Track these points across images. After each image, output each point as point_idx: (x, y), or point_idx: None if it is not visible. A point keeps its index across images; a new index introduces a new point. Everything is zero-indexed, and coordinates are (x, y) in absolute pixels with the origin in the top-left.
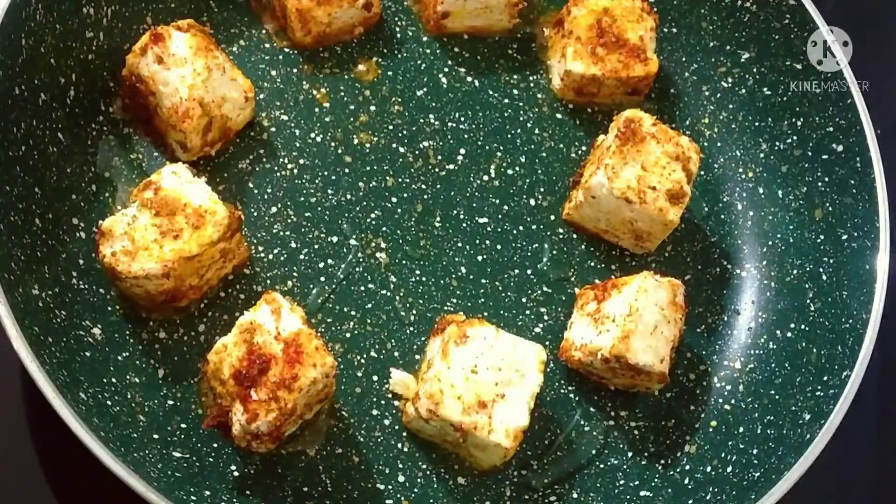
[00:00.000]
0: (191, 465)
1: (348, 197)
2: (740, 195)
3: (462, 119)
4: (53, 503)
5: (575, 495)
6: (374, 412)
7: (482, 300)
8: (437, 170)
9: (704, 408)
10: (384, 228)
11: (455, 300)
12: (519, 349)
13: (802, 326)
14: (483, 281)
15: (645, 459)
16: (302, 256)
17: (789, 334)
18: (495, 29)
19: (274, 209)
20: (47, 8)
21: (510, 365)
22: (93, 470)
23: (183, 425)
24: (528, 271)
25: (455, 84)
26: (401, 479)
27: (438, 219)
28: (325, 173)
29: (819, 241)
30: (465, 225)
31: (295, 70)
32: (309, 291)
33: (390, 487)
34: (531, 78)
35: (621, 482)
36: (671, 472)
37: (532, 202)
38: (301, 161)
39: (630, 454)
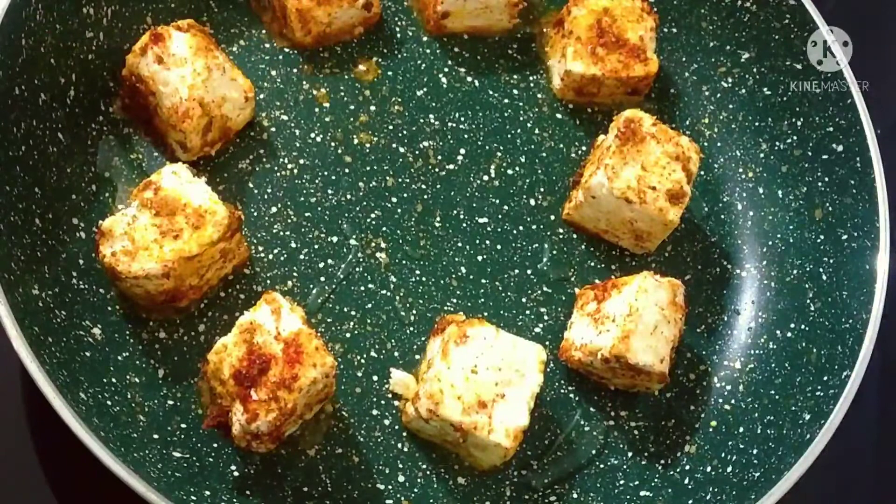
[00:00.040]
0: (191, 465)
1: (348, 197)
2: (740, 195)
3: (462, 119)
4: (53, 503)
5: (575, 495)
6: (374, 412)
7: (482, 300)
8: (437, 170)
9: (704, 408)
10: (384, 228)
11: (455, 300)
12: (519, 349)
13: (802, 326)
14: (483, 281)
15: (645, 459)
16: (302, 256)
17: (789, 334)
18: (495, 29)
19: (274, 209)
20: (47, 8)
21: (510, 365)
22: (93, 470)
23: (183, 425)
24: (528, 271)
25: (455, 84)
26: (401, 479)
27: (438, 219)
28: (325, 173)
29: (819, 241)
30: (465, 225)
31: (295, 70)
32: (309, 291)
33: (390, 487)
34: (531, 78)
35: (621, 482)
36: (671, 472)
37: (532, 202)
38: (301, 161)
39: (630, 454)
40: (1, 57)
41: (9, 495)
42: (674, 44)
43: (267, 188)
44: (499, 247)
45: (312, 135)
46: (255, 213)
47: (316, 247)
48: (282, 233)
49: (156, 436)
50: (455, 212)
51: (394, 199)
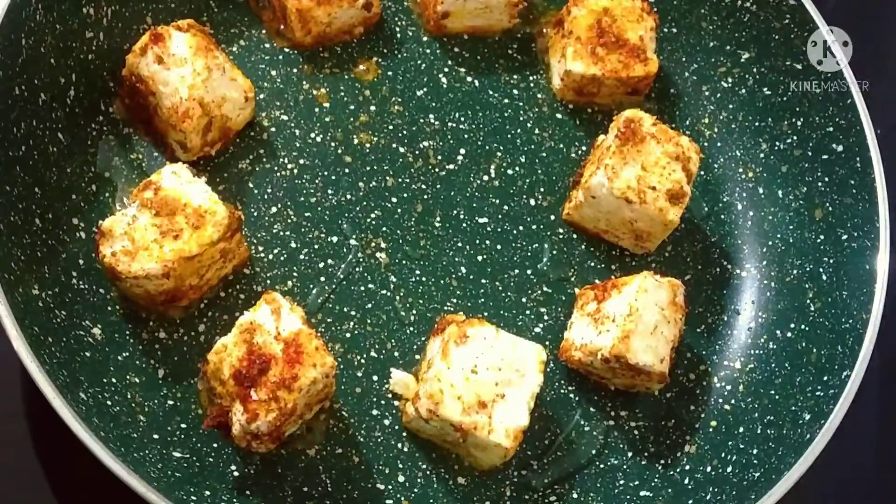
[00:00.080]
0: (191, 465)
1: (348, 197)
2: (740, 195)
3: (462, 119)
4: (53, 503)
5: (575, 495)
6: (374, 412)
7: (482, 300)
8: (437, 170)
9: (704, 408)
10: (384, 228)
11: (455, 300)
12: (519, 349)
13: (802, 326)
14: (483, 281)
15: (645, 459)
16: (302, 256)
17: (789, 334)
18: (495, 29)
19: (274, 209)
20: (47, 8)
21: (510, 365)
22: (93, 470)
23: (183, 425)
24: (528, 271)
25: (455, 84)
26: (401, 479)
27: (438, 219)
28: (325, 173)
29: (819, 241)
30: (465, 225)
31: (295, 70)
32: (309, 291)
33: (390, 487)
34: (531, 78)
35: (621, 482)
36: (671, 472)
37: (532, 202)
38: (301, 161)
39: (630, 454)
40: (1, 57)
41: (9, 495)
42: (674, 44)
43: (267, 188)
44: (499, 247)
45: (312, 135)
46: (255, 213)
47: (316, 247)
48: (282, 233)
49: (156, 436)
50: (455, 212)
51: (394, 199)
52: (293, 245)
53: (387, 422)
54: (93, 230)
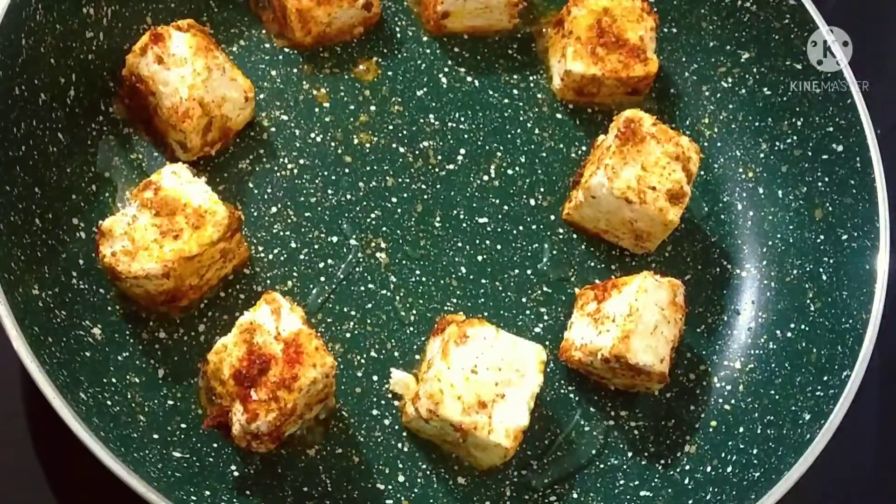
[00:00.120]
0: (191, 465)
1: (348, 197)
2: (740, 195)
3: (462, 119)
4: (53, 503)
5: (575, 495)
6: (374, 412)
7: (482, 300)
8: (437, 170)
9: (704, 408)
10: (384, 228)
11: (455, 300)
12: (519, 349)
13: (802, 326)
14: (483, 281)
15: (645, 459)
16: (302, 256)
17: (789, 334)
18: (495, 29)
19: (274, 209)
20: (47, 8)
21: (510, 365)
22: (93, 470)
23: (183, 425)
24: (528, 271)
25: (455, 84)
26: (401, 479)
27: (438, 219)
28: (325, 173)
29: (819, 241)
30: (465, 225)
31: (295, 70)
32: (309, 291)
33: (390, 487)
34: (531, 78)
35: (621, 482)
36: (671, 472)
37: (532, 202)
38: (301, 161)
39: (630, 454)
40: (1, 57)
41: (9, 495)
42: (674, 44)
43: (267, 188)
44: (499, 247)
45: (312, 135)
46: (255, 213)
47: (316, 247)
48: (282, 233)
49: (156, 436)
50: (455, 212)
51: (394, 199)
52: (293, 245)
53: (387, 422)
54: (93, 230)
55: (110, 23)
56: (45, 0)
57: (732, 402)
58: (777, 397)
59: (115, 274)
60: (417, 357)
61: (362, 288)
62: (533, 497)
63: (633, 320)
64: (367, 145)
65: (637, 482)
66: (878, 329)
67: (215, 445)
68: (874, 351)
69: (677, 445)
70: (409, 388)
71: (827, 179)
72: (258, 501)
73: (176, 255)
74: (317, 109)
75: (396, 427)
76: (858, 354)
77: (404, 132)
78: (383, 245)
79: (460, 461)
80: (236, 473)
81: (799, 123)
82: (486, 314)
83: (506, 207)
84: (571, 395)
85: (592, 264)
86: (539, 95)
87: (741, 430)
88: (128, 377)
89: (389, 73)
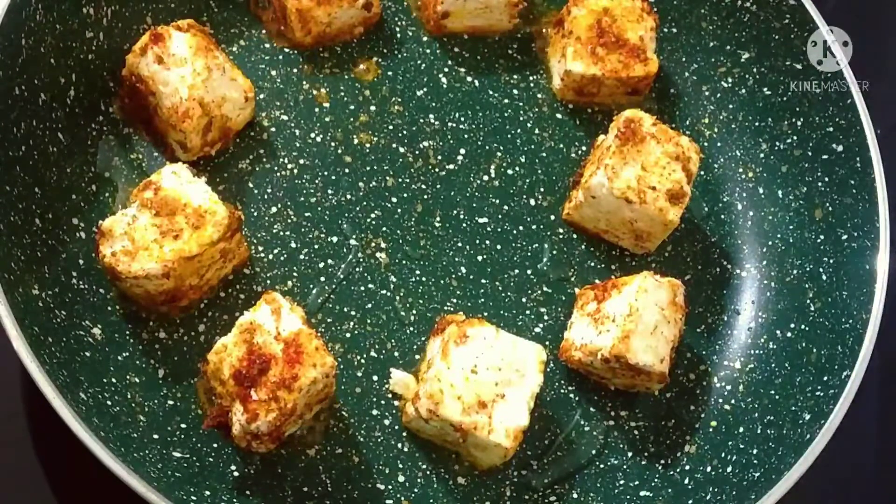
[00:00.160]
0: (191, 465)
1: (348, 197)
2: (740, 195)
3: (462, 119)
4: (53, 503)
5: (575, 495)
6: (374, 412)
7: (482, 300)
8: (437, 170)
9: (704, 408)
10: (384, 228)
11: (455, 300)
12: (519, 349)
13: (802, 326)
14: (483, 281)
15: (645, 459)
16: (302, 256)
17: (789, 334)
18: (495, 29)
19: (274, 209)
20: (47, 8)
21: (510, 365)
22: (93, 470)
23: (183, 425)
24: (528, 271)
25: (455, 84)
26: (401, 479)
27: (438, 219)
28: (325, 173)
29: (819, 241)
30: (465, 225)
31: (295, 70)
32: (309, 291)
33: (390, 487)
34: (531, 78)
35: (621, 482)
36: (671, 472)
37: (532, 202)
38: (301, 161)
39: (630, 454)
40: (1, 57)
41: (9, 495)
42: (674, 44)
43: (267, 188)
44: (499, 247)
45: (312, 135)
46: (255, 213)
47: (316, 247)
48: (282, 233)
49: (156, 436)
50: (455, 212)
51: (394, 199)
52: (293, 245)
53: (387, 422)
54: (93, 230)
55: (110, 23)
56: (45, 0)
57: (732, 402)
58: (777, 397)
59: (115, 274)
60: (417, 357)
61: (362, 288)
62: (533, 497)
63: (633, 320)
64: (367, 145)
65: (637, 482)
66: (878, 329)
67: (215, 445)
68: (874, 351)
69: (677, 445)
70: (409, 388)
71: (827, 179)
72: (258, 501)
73: (176, 255)
74: (317, 109)
75: (396, 427)
76: (858, 354)
77: (404, 132)
78: (383, 245)
79: (460, 461)
80: (236, 473)
81: (799, 123)
82: (486, 314)
83: (506, 207)
84: (571, 395)
85: (592, 264)
86: (539, 95)
87: (741, 430)
88: (128, 377)
89: (389, 73)
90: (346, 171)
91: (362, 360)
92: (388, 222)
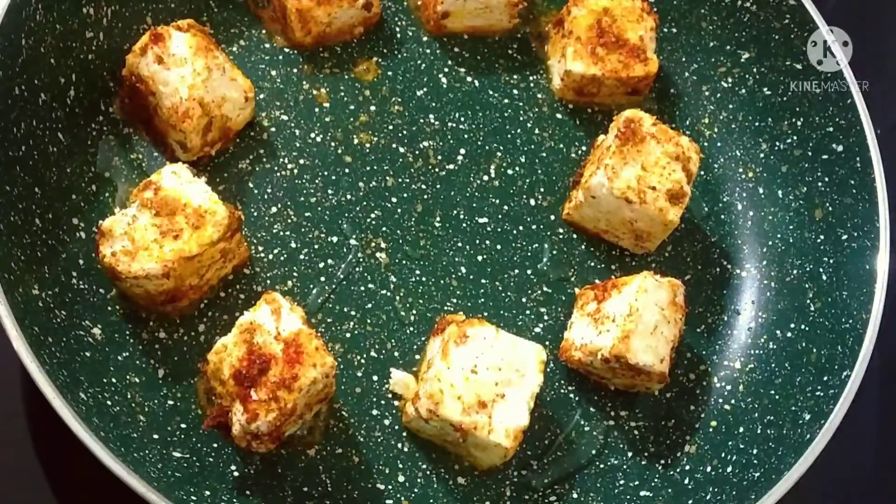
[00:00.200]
0: (191, 465)
1: (348, 197)
2: (740, 195)
3: (462, 119)
4: (53, 503)
5: (575, 495)
6: (374, 412)
7: (482, 300)
8: (437, 170)
9: (704, 408)
10: (384, 228)
11: (455, 300)
12: (519, 349)
13: (802, 326)
14: (483, 281)
15: (645, 459)
16: (302, 256)
17: (789, 334)
18: (495, 29)
19: (274, 209)
20: (47, 8)
21: (510, 365)
22: (93, 470)
23: (183, 425)
24: (528, 271)
25: (455, 84)
26: (401, 479)
27: (438, 219)
28: (325, 173)
29: (819, 241)
30: (465, 225)
31: (295, 70)
32: (309, 291)
33: (390, 487)
34: (531, 78)
35: (621, 482)
36: (671, 472)
37: (532, 202)
38: (301, 161)
39: (630, 454)
40: (1, 57)
41: (9, 495)
42: (674, 44)
43: (267, 188)
44: (499, 247)
45: (312, 135)
46: (255, 213)
47: (316, 247)
48: (282, 233)
49: (156, 436)
50: (455, 212)
51: (394, 199)
52: (293, 245)
53: (387, 422)
54: (93, 230)
55: (110, 23)
56: (45, 0)
57: (732, 402)
58: (777, 397)
59: (115, 274)
60: (417, 357)
61: (362, 288)
62: (533, 497)
63: (633, 320)
64: (367, 145)
65: (637, 482)
66: (878, 329)
67: (215, 445)
68: (874, 351)
69: (677, 445)
70: (409, 388)
71: (827, 179)
72: (258, 501)
73: (176, 255)
74: (317, 109)
75: (396, 427)
76: (858, 354)
77: (404, 132)
78: (383, 245)
79: (460, 461)
80: (236, 473)
81: (799, 123)
82: (486, 314)
83: (506, 207)
84: (571, 395)
85: (592, 264)
86: (539, 95)
87: (741, 430)
88: (128, 377)
89: (389, 73)
90: (346, 171)
91: (362, 360)
92: (388, 222)
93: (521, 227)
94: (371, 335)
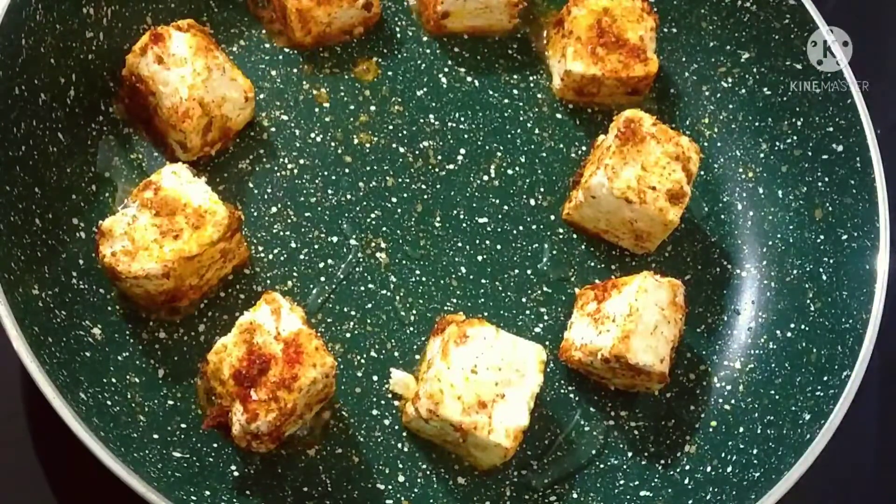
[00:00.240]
0: (191, 465)
1: (348, 197)
2: (740, 195)
3: (462, 119)
4: (53, 503)
5: (575, 495)
6: (374, 412)
7: (482, 300)
8: (437, 170)
9: (704, 408)
10: (384, 228)
11: (455, 300)
12: (519, 349)
13: (802, 326)
14: (483, 281)
15: (645, 459)
16: (302, 256)
17: (789, 334)
18: (495, 29)
19: (274, 209)
20: (47, 8)
21: (510, 365)
22: (93, 470)
23: (183, 425)
24: (528, 271)
25: (455, 84)
26: (401, 479)
27: (438, 219)
28: (325, 173)
29: (819, 241)
30: (465, 225)
31: (295, 70)
32: (309, 291)
33: (390, 487)
34: (531, 78)
35: (621, 482)
36: (671, 472)
37: (532, 202)
38: (301, 161)
39: (630, 454)
40: (1, 57)
41: (9, 495)
42: (674, 44)
43: (267, 188)
44: (499, 247)
45: (312, 135)
46: (255, 213)
47: (316, 247)
48: (282, 233)
49: (156, 436)
50: (455, 212)
51: (394, 199)
52: (293, 245)
53: (387, 422)
54: (93, 230)
55: (110, 23)
56: (45, 0)
57: (732, 402)
58: (777, 397)
59: (115, 274)
60: (417, 357)
61: (362, 288)
62: (533, 497)
63: (633, 320)
64: (367, 145)
65: (637, 482)
66: (878, 329)
67: (215, 445)
68: (874, 351)
69: (677, 445)
70: (409, 388)
71: (827, 179)
72: (258, 501)
73: (176, 255)
74: (317, 109)
75: (396, 427)
76: (858, 354)
77: (404, 132)
78: (383, 245)
79: (460, 461)
80: (236, 473)
81: (799, 123)
82: (486, 314)
83: (506, 207)
84: (571, 395)
85: (592, 264)
86: (539, 95)
87: (741, 430)
88: (128, 377)
89: (389, 73)
90: (346, 171)
91: (362, 360)
92: (388, 222)
93: (521, 227)
94: (371, 335)
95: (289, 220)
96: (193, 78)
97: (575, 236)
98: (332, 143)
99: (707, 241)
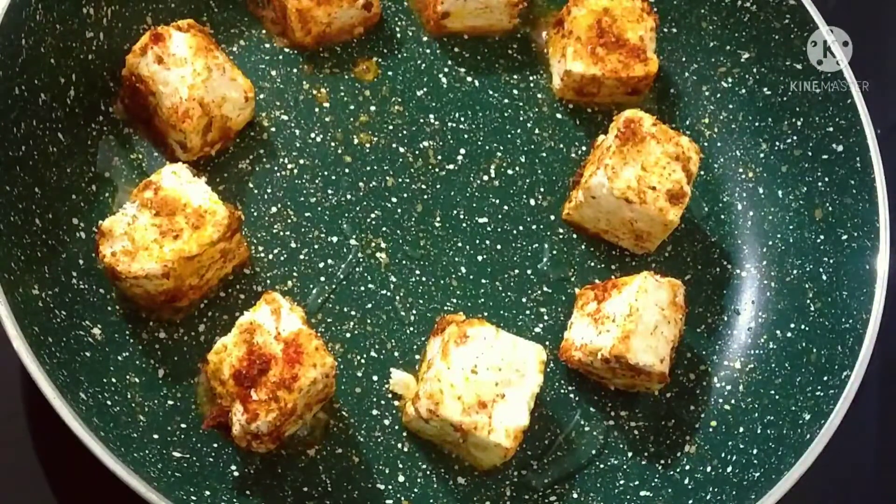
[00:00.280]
0: (191, 465)
1: (348, 197)
2: (740, 195)
3: (462, 119)
4: (53, 503)
5: (575, 495)
6: (374, 412)
7: (482, 300)
8: (437, 170)
9: (704, 408)
10: (384, 228)
11: (455, 300)
12: (519, 349)
13: (802, 326)
14: (483, 281)
15: (645, 459)
16: (302, 256)
17: (789, 334)
18: (495, 29)
19: (274, 209)
20: (47, 8)
21: (510, 365)
22: (93, 470)
23: (183, 425)
24: (528, 271)
25: (455, 84)
26: (401, 479)
27: (438, 219)
28: (325, 173)
29: (819, 241)
30: (465, 225)
31: (295, 70)
32: (309, 291)
33: (390, 487)
34: (531, 78)
35: (621, 482)
36: (671, 472)
37: (532, 202)
38: (301, 161)
39: (630, 454)
40: (1, 57)
41: (9, 495)
42: (674, 44)
43: (267, 188)
44: (499, 247)
45: (312, 135)
46: (255, 213)
47: (316, 247)
48: (282, 233)
49: (156, 436)
50: (455, 212)
51: (394, 199)
52: (293, 245)
53: (387, 422)
54: (93, 230)
55: (110, 23)
56: (45, 0)
57: (732, 402)
58: (777, 397)
59: (115, 274)
60: (417, 357)
61: (362, 288)
62: (533, 497)
63: (633, 320)
64: (367, 145)
65: (637, 482)
66: (878, 329)
67: (215, 445)
68: (874, 351)
69: (677, 445)
70: (409, 388)
71: (827, 179)
72: (258, 501)
73: (176, 255)
74: (317, 109)
75: (396, 427)
76: (858, 354)
77: (404, 132)
78: (383, 245)
79: (460, 461)
80: (236, 473)
81: (799, 123)
82: (486, 314)
83: (506, 207)
84: (571, 395)
85: (592, 264)
86: (539, 95)
87: (741, 430)
88: (128, 377)
89: (389, 73)
90: (346, 171)
91: (362, 360)
92: (388, 222)
93: (521, 227)
94: (371, 335)
95: (289, 220)
96: (193, 78)
97: (575, 236)
98: (332, 143)
99: (707, 241)
